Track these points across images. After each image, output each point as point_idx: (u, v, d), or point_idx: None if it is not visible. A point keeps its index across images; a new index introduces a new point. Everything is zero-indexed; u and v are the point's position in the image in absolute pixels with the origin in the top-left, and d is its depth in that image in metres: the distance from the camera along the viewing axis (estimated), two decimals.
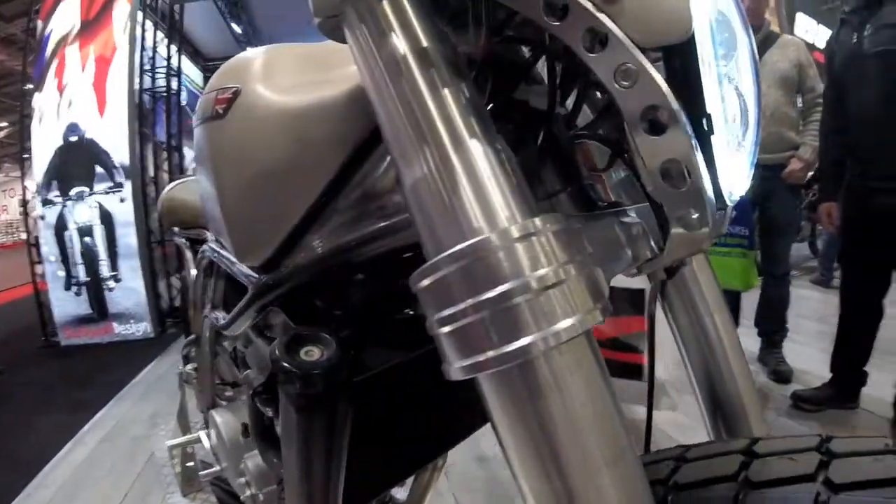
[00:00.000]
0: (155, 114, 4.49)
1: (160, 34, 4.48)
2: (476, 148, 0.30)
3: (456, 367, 0.29)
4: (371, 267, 0.53)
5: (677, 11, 0.28)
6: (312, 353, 0.48)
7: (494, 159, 0.30)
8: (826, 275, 3.89)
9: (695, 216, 0.30)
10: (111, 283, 4.00)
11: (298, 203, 0.51)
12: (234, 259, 0.65)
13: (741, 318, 2.45)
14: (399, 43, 0.32)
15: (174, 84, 4.65)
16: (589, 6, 0.28)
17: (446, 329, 0.29)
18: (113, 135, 3.94)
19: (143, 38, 4.11)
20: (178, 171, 4.75)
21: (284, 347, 0.48)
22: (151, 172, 4.40)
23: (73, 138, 3.93)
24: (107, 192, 3.97)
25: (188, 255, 1.36)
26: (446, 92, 0.31)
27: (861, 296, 2.03)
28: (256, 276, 0.59)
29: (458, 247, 0.28)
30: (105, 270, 3.98)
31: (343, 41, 0.37)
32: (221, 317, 0.75)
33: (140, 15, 4.10)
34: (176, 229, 1.40)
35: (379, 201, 0.48)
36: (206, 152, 0.61)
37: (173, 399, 2.65)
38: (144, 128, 4.24)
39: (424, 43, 0.32)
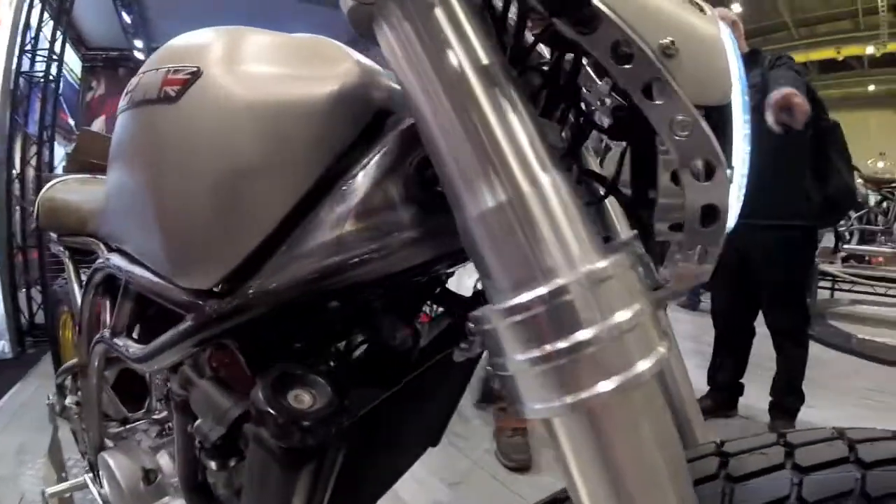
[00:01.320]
0: (29, 102, 3.93)
1: (46, 14, 3.97)
2: (549, 179, 0.30)
3: (534, 408, 0.29)
4: (353, 293, 0.45)
5: (722, 75, 0.32)
6: (302, 399, 0.42)
7: (567, 192, 0.30)
8: (693, 299, 4.25)
9: (709, 252, 0.33)
10: None
11: (268, 214, 0.42)
12: (162, 278, 0.53)
13: None
14: (458, 56, 0.31)
15: (54, 70, 4.11)
16: (652, 58, 0.30)
17: (524, 370, 0.29)
18: None
19: (28, 14, 3.61)
20: (47, 168, 4.18)
21: (270, 391, 0.41)
22: (17, 168, 3.82)
23: None
24: None
25: (70, 266, 1.16)
26: (514, 118, 0.30)
27: (731, 319, 2.37)
28: (200, 301, 0.47)
29: (541, 288, 0.28)
30: None
31: (368, 37, 0.35)
32: (133, 347, 0.63)
33: None
34: (54, 235, 1.19)
35: (370, 218, 0.41)
36: (141, 142, 0.52)
37: (41, 432, 2.28)
38: (17, 116, 3.69)
39: (486, 60, 0.31)
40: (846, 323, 4.06)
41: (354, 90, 0.43)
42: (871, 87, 14.89)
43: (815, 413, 2.32)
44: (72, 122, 6.62)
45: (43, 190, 1.25)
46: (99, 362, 0.89)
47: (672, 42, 0.30)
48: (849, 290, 4.89)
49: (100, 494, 1.01)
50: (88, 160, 3.78)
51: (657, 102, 0.30)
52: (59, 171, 4.44)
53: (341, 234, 0.40)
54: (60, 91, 4.54)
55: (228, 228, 0.44)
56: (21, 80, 3.73)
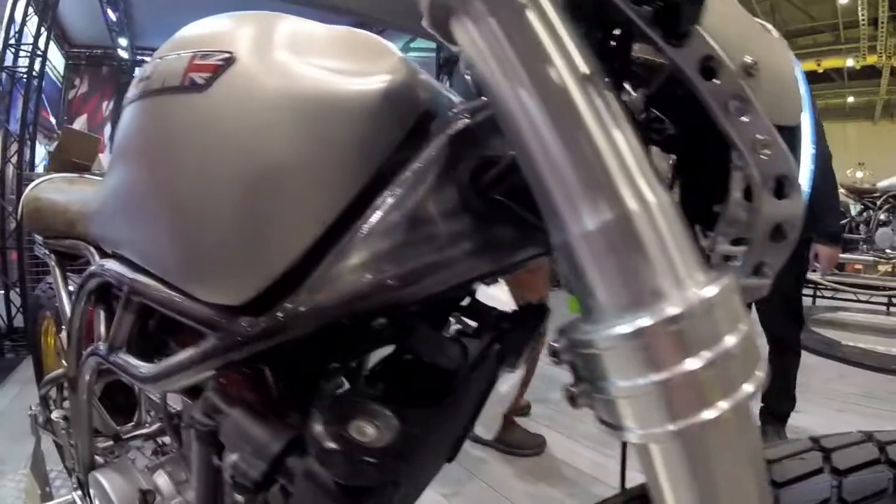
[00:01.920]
0: (11, 98, 3.84)
1: (31, 9, 3.88)
2: (655, 197, 0.28)
3: (636, 433, 0.28)
4: (400, 309, 0.40)
5: (796, 97, 0.34)
6: (365, 431, 0.37)
7: (674, 212, 0.28)
8: None
9: (769, 266, 0.34)
10: None
11: (310, 222, 0.38)
12: (176, 290, 0.47)
13: None
14: (557, 63, 0.28)
15: (37, 67, 4.01)
16: (738, 75, 0.30)
17: (628, 395, 0.28)
18: None
19: (13, 9, 3.53)
20: (28, 167, 4.08)
21: (330, 424, 0.36)
22: None
23: None
24: None
25: (57, 271, 1.09)
26: (619, 133, 0.28)
27: None
28: (226, 318, 0.42)
29: (653, 313, 0.26)
30: None
31: (444, 36, 0.32)
32: (141, 367, 0.56)
33: None
34: (39, 238, 1.12)
35: (425, 229, 0.37)
36: (157, 134, 0.46)
37: (20, 442, 2.20)
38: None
39: (586, 69, 0.29)
40: (830, 329, 4.14)
41: (401, 89, 0.40)
42: (851, 99, 15.24)
43: (804, 418, 2.34)
44: (53, 120, 6.49)
45: (27, 189, 1.18)
46: (90, 376, 0.81)
47: (755, 62, 0.31)
48: (831, 298, 4.98)
49: None
50: (71, 159, 3.74)
51: (742, 119, 0.30)
52: (39, 169, 4.35)
53: (394, 246, 0.37)
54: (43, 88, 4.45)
55: (264, 237, 0.39)
56: (3, 75, 3.64)
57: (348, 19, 7.25)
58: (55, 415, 1.14)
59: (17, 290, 3.70)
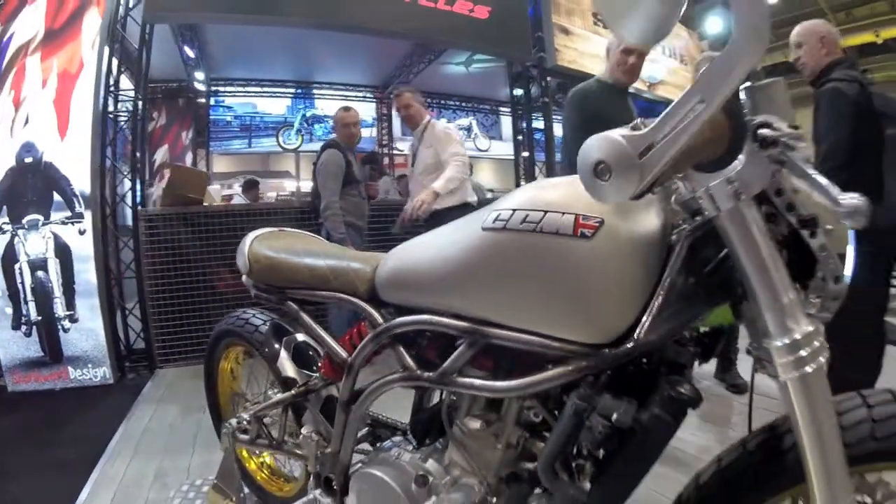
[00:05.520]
0: (115, 141, 4.12)
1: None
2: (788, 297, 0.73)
3: (782, 378, 0.72)
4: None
5: (846, 240, 0.77)
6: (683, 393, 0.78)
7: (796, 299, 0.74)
8: None
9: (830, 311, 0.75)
10: (66, 324, 3.56)
11: (639, 303, 0.77)
12: (531, 334, 0.83)
13: None
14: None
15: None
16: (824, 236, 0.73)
17: (782, 362, 0.72)
18: (74, 159, 3.57)
19: (111, 57, 3.79)
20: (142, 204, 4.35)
21: (666, 397, 0.78)
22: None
23: (29, 159, 3.50)
24: (64, 223, 3.56)
25: (303, 315, 1.36)
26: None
27: None
28: (584, 349, 0.79)
29: (788, 338, 0.72)
30: (60, 309, 3.54)
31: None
32: (497, 384, 0.90)
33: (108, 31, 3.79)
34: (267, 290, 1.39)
35: (678, 304, 0.79)
36: (545, 254, 0.80)
37: (173, 457, 2.39)
38: (107, 155, 3.89)
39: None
40: None
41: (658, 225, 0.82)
42: None
43: None
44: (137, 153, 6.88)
45: (247, 245, 1.44)
46: (368, 398, 1.15)
47: (830, 229, 0.73)
48: None
49: None
50: (184, 194, 3.98)
51: (823, 255, 0.72)
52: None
53: (672, 312, 0.78)
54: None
55: (618, 308, 0.79)
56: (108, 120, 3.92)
57: (406, 42, 7.39)
58: (305, 430, 1.40)
59: (139, 315, 3.96)
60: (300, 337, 1.60)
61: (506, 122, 12.04)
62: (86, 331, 3.59)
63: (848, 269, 0.74)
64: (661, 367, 0.84)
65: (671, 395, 0.77)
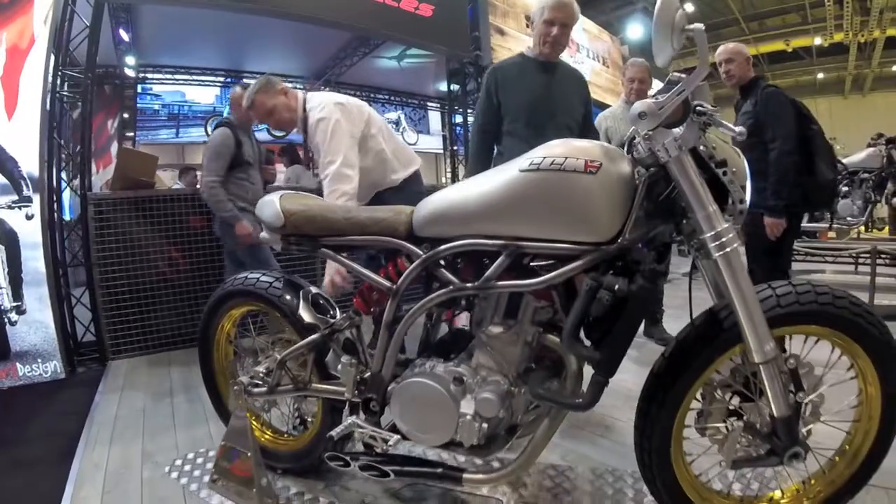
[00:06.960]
0: (61, 123, 3.91)
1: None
2: (721, 227, 1.22)
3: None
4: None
5: (745, 174, 1.29)
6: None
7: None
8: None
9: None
10: (13, 316, 3.34)
11: (623, 213, 1.21)
12: (554, 242, 1.24)
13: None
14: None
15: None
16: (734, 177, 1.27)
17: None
18: (22, 139, 3.36)
19: (68, 33, 3.61)
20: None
21: (650, 270, 1.19)
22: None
23: None
24: (11, 207, 3.34)
25: (344, 259, 1.63)
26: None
27: None
28: (591, 247, 1.22)
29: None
30: (6, 301, 3.32)
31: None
32: (530, 280, 1.28)
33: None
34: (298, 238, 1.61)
35: (654, 212, 1.25)
36: (563, 188, 1.22)
37: (151, 437, 2.37)
38: (56, 136, 3.70)
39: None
40: None
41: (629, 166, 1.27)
42: (820, 75, 15.76)
43: None
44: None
45: (276, 202, 1.60)
46: (414, 314, 1.44)
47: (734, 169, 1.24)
48: (803, 260, 5.52)
49: (376, 424, 1.50)
50: (134, 177, 3.84)
51: (731, 185, 1.22)
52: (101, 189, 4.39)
53: (648, 220, 1.25)
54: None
55: (612, 220, 1.21)
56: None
57: (342, 33, 7.39)
58: (345, 359, 1.59)
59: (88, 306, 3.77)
60: (313, 289, 1.78)
61: (433, 117, 12.39)
62: (34, 323, 3.38)
63: (747, 195, 1.21)
64: (636, 263, 1.21)
65: (651, 268, 1.17)
